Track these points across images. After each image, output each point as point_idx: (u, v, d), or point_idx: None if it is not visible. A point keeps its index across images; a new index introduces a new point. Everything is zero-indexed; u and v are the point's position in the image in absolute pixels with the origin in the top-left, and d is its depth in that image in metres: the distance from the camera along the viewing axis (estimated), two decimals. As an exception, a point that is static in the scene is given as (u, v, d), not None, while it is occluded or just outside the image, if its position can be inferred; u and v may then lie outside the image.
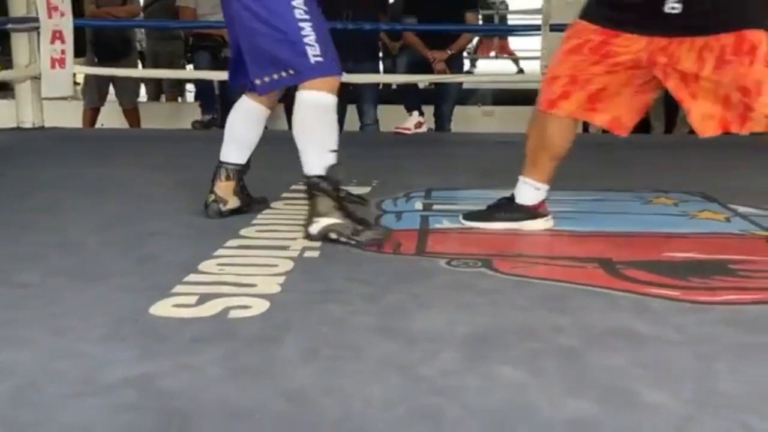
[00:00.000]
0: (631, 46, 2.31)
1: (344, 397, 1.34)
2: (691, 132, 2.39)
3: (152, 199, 3.00)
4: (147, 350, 1.54)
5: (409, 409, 1.31)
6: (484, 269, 2.08)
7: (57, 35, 5.03)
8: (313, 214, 2.33)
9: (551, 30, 4.88)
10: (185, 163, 3.87)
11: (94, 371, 1.44)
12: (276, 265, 2.08)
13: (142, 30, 6.94)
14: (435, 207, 2.87)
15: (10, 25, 5.10)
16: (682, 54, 2.22)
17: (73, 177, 3.48)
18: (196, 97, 6.50)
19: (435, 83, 5.49)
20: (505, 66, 10.38)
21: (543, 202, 2.56)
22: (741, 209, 2.77)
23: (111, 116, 6.22)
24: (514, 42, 10.53)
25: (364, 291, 1.90)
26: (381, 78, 5.76)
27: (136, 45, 6.31)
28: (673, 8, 2.21)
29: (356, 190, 3.11)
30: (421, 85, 5.55)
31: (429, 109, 5.41)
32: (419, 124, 5.20)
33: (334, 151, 2.32)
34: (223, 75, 5.55)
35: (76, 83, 6.20)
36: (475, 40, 9.95)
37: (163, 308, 1.76)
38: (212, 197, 2.61)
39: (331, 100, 2.32)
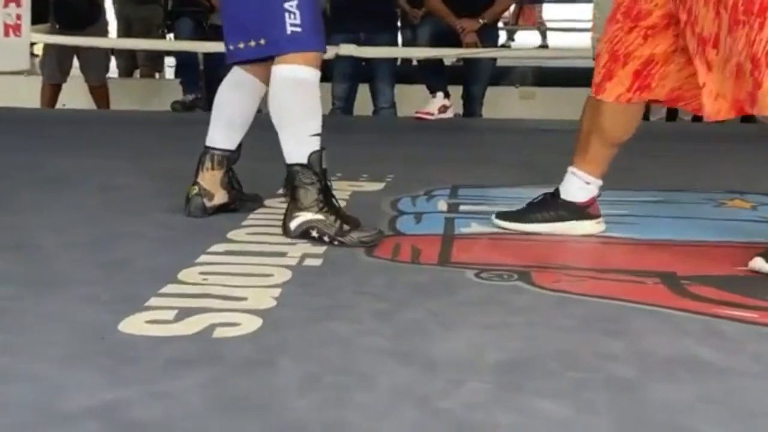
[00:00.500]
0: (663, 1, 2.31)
1: (350, 434, 1.35)
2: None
3: (123, 194, 3.02)
4: (115, 374, 1.54)
5: (428, 449, 1.32)
6: (521, 283, 2.09)
7: (11, -3, 5.07)
8: (294, 207, 2.36)
9: (605, -4, 4.86)
10: (163, 151, 3.90)
11: (51, 398, 1.45)
12: (270, 275, 2.09)
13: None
14: (462, 208, 2.88)
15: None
16: (701, 11, 2.21)
17: (29, 166, 3.51)
18: (177, 74, 6.52)
19: (464, 59, 5.49)
20: (553, 40, 10.38)
21: (594, 200, 2.56)
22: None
23: (75, 94, 6.26)
24: (552, 10, 10.55)
25: (375, 307, 1.91)
26: (399, 52, 5.76)
27: (105, 10, 6.34)
28: None
29: (367, 186, 3.12)
30: (447, 62, 5.55)
31: (456, 90, 5.41)
32: (444, 108, 5.20)
33: (317, 135, 2.35)
34: (208, 47, 5.61)
35: (33, 55, 6.24)
36: (513, 6, 9.96)
37: (134, 324, 1.76)
38: (195, 190, 2.61)
39: (311, 74, 2.33)
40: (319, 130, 2.35)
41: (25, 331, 1.75)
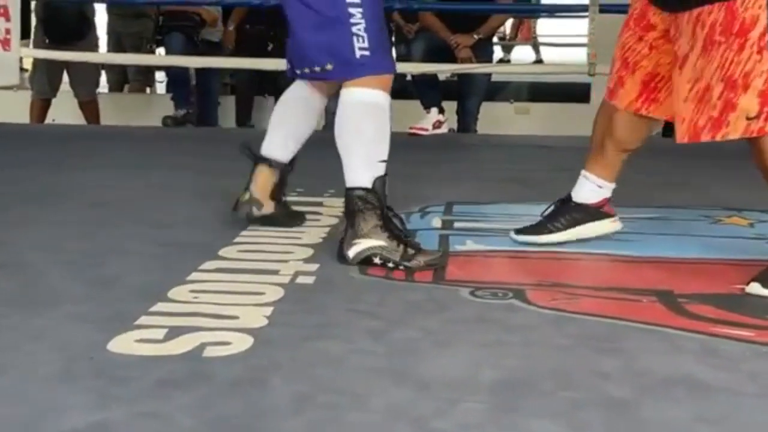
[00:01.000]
0: (665, 17, 2.34)
1: (343, 455, 1.35)
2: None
3: (113, 210, 3.02)
4: (103, 394, 1.54)
5: (422, 470, 1.31)
6: (516, 301, 2.09)
7: (0, 11, 5.08)
8: (353, 234, 2.32)
9: (601, 11, 4.90)
10: (153, 167, 3.90)
11: (39, 419, 1.44)
12: (262, 293, 2.09)
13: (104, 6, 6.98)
14: (457, 225, 2.89)
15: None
16: (683, 29, 2.23)
17: (18, 181, 3.51)
18: (168, 89, 6.54)
19: (458, 74, 5.51)
20: (547, 54, 10.41)
21: (606, 201, 2.59)
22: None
23: (64, 109, 6.25)
24: (547, 25, 10.59)
25: (368, 325, 1.91)
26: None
27: (95, 24, 6.35)
28: None
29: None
30: (441, 77, 5.57)
31: (451, 106, 5.43)
32: (438, 124, 5.21)
33: (384, 161, 2.34)
34: (199, 61, 5.62)
35: (23, 69, 6.24)
36: (510, 21, 10.00)
37: (124, 343, 1.76)
38: (247, 196, 2.64)
39: (383, 99, 2.34)
40: (386, 156, 2.34)
41: (12, 349, 1.74)
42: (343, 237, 2.36)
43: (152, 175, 3.69)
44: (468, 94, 5.48)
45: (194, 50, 5.74)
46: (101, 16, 6.73)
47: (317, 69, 2.39)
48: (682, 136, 2.26)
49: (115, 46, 6.61)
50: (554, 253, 2.56)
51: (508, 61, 9.92)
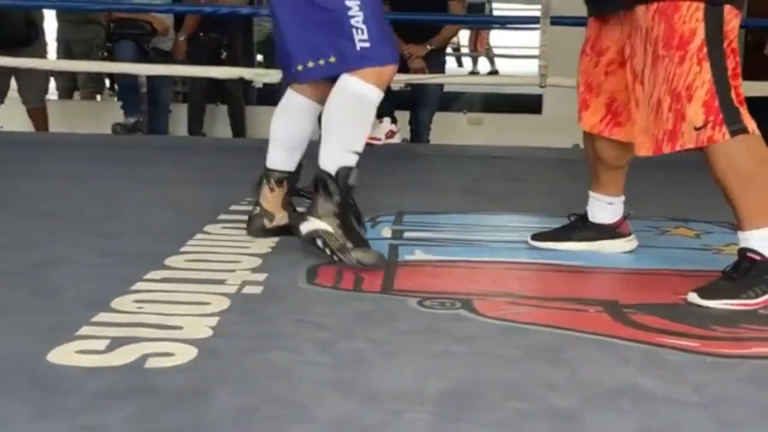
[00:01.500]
0: (614, 33, 2.41)
1: (285, 468, 1.34)
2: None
3: (58, 219, 2.97)
4: (42, 407, 1.51)
5: (366, 483, 1.30)
6: (464, 311, 2.09)
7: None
8: (309, 212, 2.40)
9: (552, 23, 4.93)
10: (101, 175, 3.85)
11: (-26, 432, 1.41)
12: (208, 303, 2.06)
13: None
14: (407, 234, 2.88)
15: None
16: (638, 46, 2.28)
17: (-39, 190, 3.44)
18: (118, 96, 6.47)
19: (411, 84, 5.51)
20: (501, 65, 10.50)
21: (623, 219, 2.64)
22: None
23: (12, 116, 6.16)
24: (500, 37, 10.69)
25: (315, 336, 1.89)
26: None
27: (44, 30, 6.26)
28: None
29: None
30: (394, 87, 5.57)
31: (403, 116, 5.43)
32: (391, 134, 5.21)
33: (356, 153, 2.41)
34: (150, 69, 5.57)
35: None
36: (467, 33, 10.07)
37: (64, 354, 1.73)
38: (257, 210, 2.67)
39: (375, 95, 2.39)
40: (359, 149, 2.41)
41: (-52, 361, 1.70)
42: (305, 212, 2.43)
43: (100, 184, 3.64)
44: (421, 104, 5.49)
45: (145, 58, 5.68)
46: (51, 22, 6.66)
47: (321, 63, 2.41)
48: (645, 148, 2.29)
49: (65, 52, 6.54)
50: (503, 263, 2.57)
51: (478, 73, 9.99)
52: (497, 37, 11.07)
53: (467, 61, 11.12)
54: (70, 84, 7.08)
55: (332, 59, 2.39)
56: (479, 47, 10.65)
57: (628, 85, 2.34)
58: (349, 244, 2.38)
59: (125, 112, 5.83)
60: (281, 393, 1.60)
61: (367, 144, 5.06)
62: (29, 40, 5.85)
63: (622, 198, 2.66)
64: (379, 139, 5.14)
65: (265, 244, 2.62)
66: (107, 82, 7.54)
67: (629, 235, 2.67)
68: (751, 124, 2.18)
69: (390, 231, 2.91)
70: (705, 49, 2.16)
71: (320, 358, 1.78)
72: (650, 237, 2.88)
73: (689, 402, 1.62)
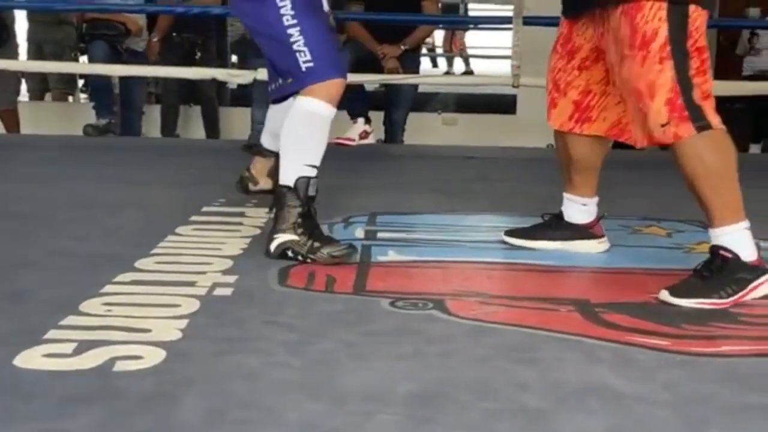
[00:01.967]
0: (587, 31, 2.43)
1: (253, 471, 1.33)
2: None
3: (28, 221, 2.94)
4: (8, 412, 1.49)
5: (334, 485, 1.29)
6: (436, 312, 2.08)
7: None
8: (274, 230, 2.52)
9: (525, 23, 4.94)
10: (72, 177, 3.82)
11: (-63, 438, 1.39)
12: (177, 306, 2.05)
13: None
14: (380, 235, 2.87)
15: None
16: (610, 45, 2.31)
17: (-71, 193, 3.40)
18: (91, 97, 6.43)
19: (385, 85, 5.51)
20: (477, 65, 10.52)
21: (597, 220, 2.66)
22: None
23: (-17, 118, 6.12)
24: (474, 37, 10.71)
25: (285, 338, 1.88)
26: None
27: (15, 31, 6.21)
28: None
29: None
30: (368, 87, 5.56)
31: (378, 116, 5.42)
32: (365, 134, 5.20)
33: (312, 166, 2.52)
34: (122, 70, 5.53)
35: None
36: (441, 33, 10.08)
37: (31, 358, 1.71)
38: (246, 174, 3.02)
39: (324, 110, 2.53)
40: (315, 162, 2.53)
41: None
42: (270, 232, 2.54)
43: (71, 186, 3.61)
44: (395, 104, 5.48)
45: (118, 59, 5.64)
46: (22, 23, 6.60)
47: (284, 84, 2.64)
48: (639, 141, 2.31)
49: (36, 53, 6.49)
50: (476, 263, 2.57)
51: (454, 73, 10.00)
52: (473, 38, 11.09)
53: (442, 62, 11.13)
54: (41, 85, 7.03)
55: (289, 80, 2.59)
56: (454, 48, 10.67)
57: (606, 79, 2.38)
58: (317, 244, 2.47)
59: (97, 114, 5.79)
60: (250, 396, 1.59)
61: (342, 145, 5.11)
62: (1, 40, 5.79)
63: (596, 199, 2.67)
64: (353, 140, 5.13)
65: (237, 246, 2.60)
66: (80, 83, 7.48)
67: (602, 236, 2.69)
68: (715, 119, 2.20)
69: (363, 231, 2.90)
70: (668, 48, 2.17)
71: (290, 360, 1.76)
72: (622, 236, 2.88)
73: (659, 401, 1.62)
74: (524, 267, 2.53)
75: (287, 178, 2.52)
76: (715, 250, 2.20)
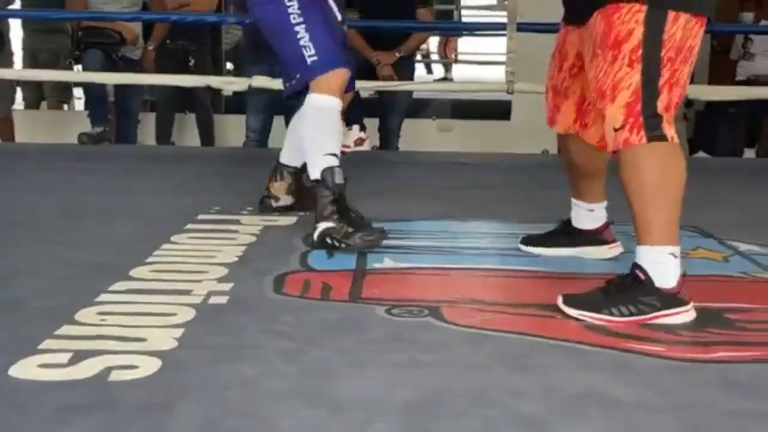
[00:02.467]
0: (574, 38, 2.41)
1: (249, 481, 1.32)
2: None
3: (23, 230, 2.94)
4: (3, 423, 1.48)
5: (331, 494, 1.29)
6: (432, 319, 2.08)
7: None
8: (315, 219, 2.71)
9: (519, 29, 4.94)
10: (67, 186, 3.81)
11: (-69, 450, 1.38)
12: (173, 314, 2.04)
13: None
14: (375, 242, 2.86)
15: None
16: (587, 48, 2.27)
17: (-77, 202, 3.39)
18: (86, 105, 6.41)
19: (380, 92, 5.51)
20: (471, 72, 10.52)
21: (606, 225, 2.64)
22: (742, 247, 2.82)
23: (-23, 127, 6.09)
24: (468, 43, 10.73)
25: (282, 346, 1.87)
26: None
27: (10, 40, 6.20)
28: None
29: (280, 221, 3.10)
30: (363, 94, 5.57)
31: (373, 123, 5.42)
32: (360, 141, 5.17)
33: (333, 154, 2.72)
34: (117, 78, 5.53)
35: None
36: (435, 40, 10.08)
37: (26, 369, 1.70)
38: (265, 193, 3.17)
39: (329, 102, 2.73)
40: (334, 150, 2.73)
41: None
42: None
43: (65, 194, 3.60)
44: (390, 111, 5.49)
45: (113, 67, 5.63)
46: (17, 31, 6.59)
47: (294, 81, 2.83)
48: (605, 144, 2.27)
49: (31, 62, 6.47)
50: (472, 270, 2.56)
51: (450, 79, 9.99)
52: (467, 44, 11.10)
53: (437, 68, 11.13)
54: (36, 94, 7.01)
55: (298, 75, 2.79)
56: (448, 54, 10.67)
57: None
58: (350, 229, 2.63)
59: (92, 122, 5.77)
60: (246, 404, 1.58)
61: (337, 152, 5.07)
62: (-5, 48, 5.79)
63: (604, 204, 2.64)
64: (349, 147, 5.10)
65: (232, 254, 2.60)
66: (75, 91, 7.47)
67: (613, 242, 2.65)
68: (670, 133, 2.10)
69: (358, 239, 2.89)
70: (639, 52, 2.10)
71: (286, 368, 1.76)
72: (622, 243, 2.87)
73: (656, 407, 1.62)
74: (520, 274, 2.53)
75: (314, 173, 2.71)
76: (633, 267, 2.11)
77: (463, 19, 9.93)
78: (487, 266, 2.61)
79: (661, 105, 2.11)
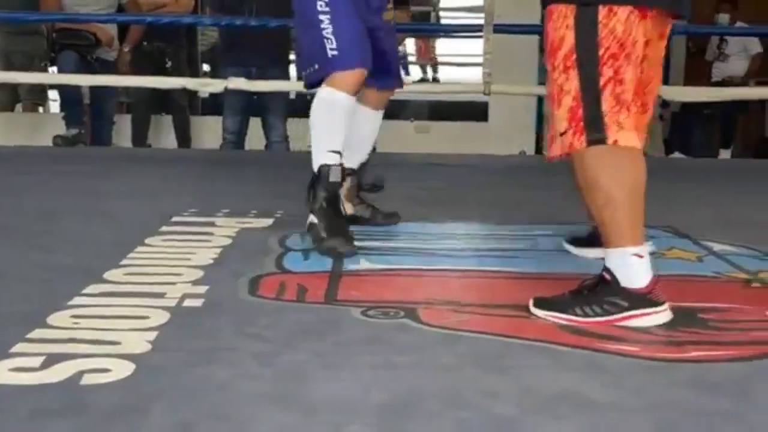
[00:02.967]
0: None
1: (222, 484, 1.31)
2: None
3: (-5, 234, 2.91)
4: (-27, 428, 1.47)
5: (304, 497, 1.29)
6: (407, 320, 2.08)
7: None
8: (309, 209, 2.72)
9: (496, 31, 4.96)
10: (42, 189, 3.79)
11: None
12: (147, 317, 2.03)
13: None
14: (352, 243, 2.86)
15: None
16: None
17: None
18: (61, 108, 6.37)
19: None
20: (451, 73, 10.51)
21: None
22: (716, 247, 2.84)
23: (-49, 129, 6.05)
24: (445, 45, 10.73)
25: (256, 349, 1.87)
26: (290, 86, 5.75)
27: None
28: None
29: (255, 223, 3.09)
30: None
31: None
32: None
33: (335, 151, 2.69)
34: (93, 80, 5.50)
35: None
36: (412, 42, 10.07)
37: (-3, 373, 1.69)
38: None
39: (341, 98, 2.70)
40: (337, 148, 2.70)
41: None
42: None
43: (40, 197, 3.58)
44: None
45: (88, 69, 5.60)
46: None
47: (311, 70, 2.77)
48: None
49: (5, 64, 6.42)
50: (449, 271, 2.56)
51: (427, 80, 9.99)
52: (447, 46, 11.09)
53: (414, 69, 11.13)
54: (11, 96, 6.95)
55: (316, 66, 2.74)
56: (424, 55, 10.67)
57: None
58: (324, 235, 2.63)
59: (66, 124, 5.74)
60: (220, 408, 1.58)
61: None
62: (-32, 52, 5.75)
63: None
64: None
65: (207, 256, 2.59)
66: (51, 94, 7.42)
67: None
68: (615, 135, 2.05)
69: (335, 240, 2.88)
70: (573, 57, 2.07)
71: (261, 371, 1.75)
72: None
73: (630, 407, 1.62)
74: (497, 275, 2.53)
75: (315, 165, 2.70)
76: (602, 269, 2.10)
77: (442, 21, 9.94)
78: (463, 267, 2.61)
79: (606, 105, 2.06)
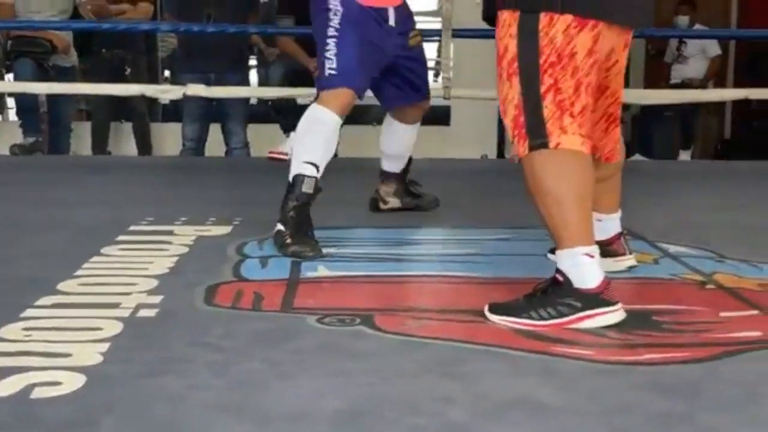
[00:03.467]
0: None
1: (172, 497, 1.30)
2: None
3: (-53, 245, 2.87)
4: None
5: None
6: (364, 327, 2.07)
7: None
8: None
9: (455, 36, 4.98)
10: (-3, 199, 3.74)
11: None
12: (99, 329, 2.01)
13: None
14: (309, 250, 2.85)
15: None
16: None
17: None
18: (18, 115, 6.31)
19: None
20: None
21: (617, 237, 2.56)
22: (672, 249, 2.87)
23: None
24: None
25: (210, 359, 1.86)
26: (250, 92, 5.75)
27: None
28: None
29: (214, 230, 3.07)
30: (300, 101, 5.55)
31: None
32: (299, 148, 5.18)
33: (313, 164, 2.81)
34: (51, 88, 5.45)
35: None
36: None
37: (-54, 387, 1.66)
38: (375, 194, 3.49)
39: (327, 116, 2.87)
40: (315, 160, 2.82)
41: None
42: None
43: (-5, 207, 3.54)
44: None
45: (44, 76, 5.55)
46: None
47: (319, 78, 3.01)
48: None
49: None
50: (405, 276, 2.57)
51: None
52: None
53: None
54: (-33, 105, 6.89)
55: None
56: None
57: None
58: (288, 240, 2.71)
59: (24, 132, 5.69)
60: (172, 419, 1.56)
61: (274, 159, 5.08)
62: None
63: (615, 215, 2.56)
64: (287, 154, 5.11)
65: (163, 265, 2.57)
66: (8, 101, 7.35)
67: (623, 254, 2.58)
68: (557, 139, 2.08)
69: (293, 247, 2.87)
70: (515, 65, 2.10)
71: (214, 381, 1.74)
72: (549, 246, 2.90)
73: (584, 411, 1.63)
74: (455, 280, 2.54)
75: (291, 173, 2.82)
76: (555, 271, 2.12)
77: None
78: (421, 273, 2.62)
79: (547, 112, 2.09)
